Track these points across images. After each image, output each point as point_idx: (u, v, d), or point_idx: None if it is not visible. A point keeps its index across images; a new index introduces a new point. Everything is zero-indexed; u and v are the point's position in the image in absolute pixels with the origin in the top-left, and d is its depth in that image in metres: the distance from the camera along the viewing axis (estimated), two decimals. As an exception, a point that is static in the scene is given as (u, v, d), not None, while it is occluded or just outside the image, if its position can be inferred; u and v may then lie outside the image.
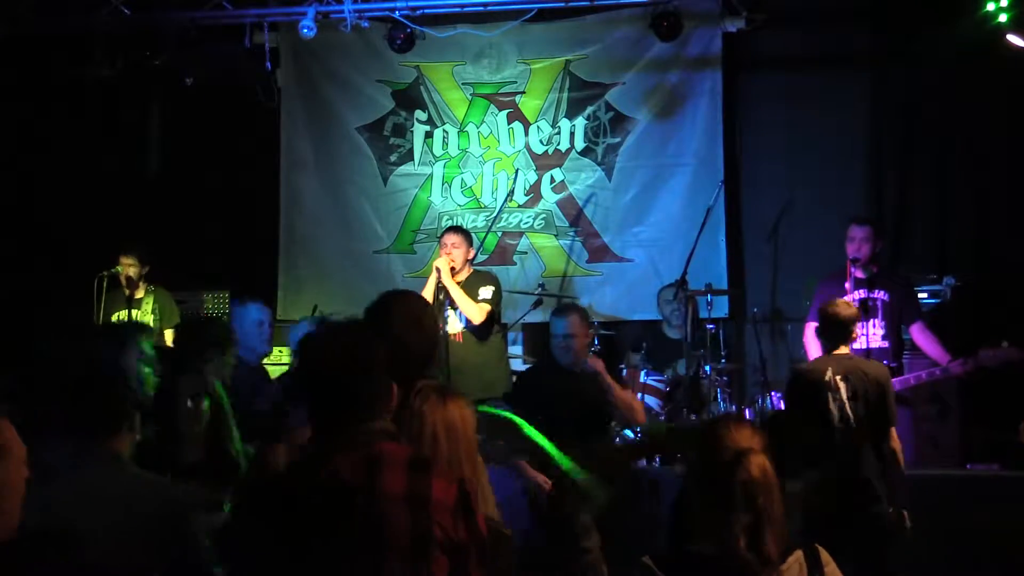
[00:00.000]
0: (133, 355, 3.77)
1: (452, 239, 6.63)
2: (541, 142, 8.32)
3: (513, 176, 8.26)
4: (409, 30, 7.74)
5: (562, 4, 7.67)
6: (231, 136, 8.32)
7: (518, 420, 4.52)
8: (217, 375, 4.14)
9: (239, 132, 8.35)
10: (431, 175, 8.42)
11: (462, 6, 7.69)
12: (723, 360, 7.26)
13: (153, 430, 3.38)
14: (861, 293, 6.12)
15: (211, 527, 2.85)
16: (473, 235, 7.05)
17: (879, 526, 4.66)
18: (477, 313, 6.47)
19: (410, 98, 8.44)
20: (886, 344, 6.11)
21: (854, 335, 4.99)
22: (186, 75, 7.98)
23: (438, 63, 8.35)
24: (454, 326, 6.58)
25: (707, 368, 7.14)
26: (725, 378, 7.25)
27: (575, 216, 8.24)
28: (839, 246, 6.29)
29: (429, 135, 8.41)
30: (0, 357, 7.15)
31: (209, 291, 7.80)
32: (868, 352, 5.78)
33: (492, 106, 8.37)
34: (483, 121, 8.39)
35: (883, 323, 6.13)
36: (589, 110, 8.24)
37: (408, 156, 8.46)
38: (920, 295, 6.63)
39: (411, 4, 7.52)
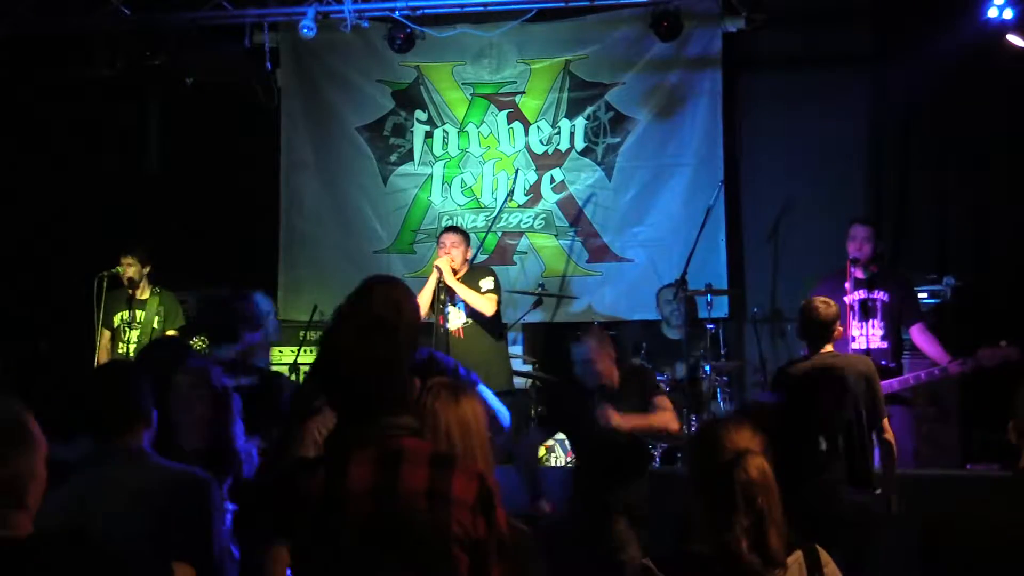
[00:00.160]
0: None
1: (451, 238, 6.64)
2: (541, 142, 8.32)
3: (513, 176, 8.26)
4: (409, 30, 7.74)
5: (562, 4, 7.66)
6: (231, 136, 8.33)
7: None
8: (248, 356, 4.13)
9: (239, 132, 8.35)
10: (431, 175, 8.42)
11: (462, 6, 7.69)
12: (723, 360, 7.26)
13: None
14: (861, 293, 6.13)
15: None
16: (472, 235, 7.06)
17: (860, 521, 4.67)
18: (487, 305, 6.47)
19: (410, 98, 8.44)
20: (886, 344, 6.10)
21: (837, 333, 4.97)
22: (186, 75, 7.98)
23: (438, 63, 8.35)
24: (454, 322, 6.59)
25: (707, 368, 7.14)
26: (725, 378, 7.25)
27: (575, 216, 8.24)
28: (839, 246, 6.29)
29: (429, 135, 8.41)
30: (0, 357, 7.18)
31: (209, 291, 7.79)
32: (868, 352, 5.79)
33: (492, 106, 8.37)
34: (483, 121, 8.39)
35: (883, 323, 6.13)
36: (589, 110, 8.23)
37: (408, 156, 8.46)
38: (920, 295, 6.62)
39: (411, 4, 7.52)
